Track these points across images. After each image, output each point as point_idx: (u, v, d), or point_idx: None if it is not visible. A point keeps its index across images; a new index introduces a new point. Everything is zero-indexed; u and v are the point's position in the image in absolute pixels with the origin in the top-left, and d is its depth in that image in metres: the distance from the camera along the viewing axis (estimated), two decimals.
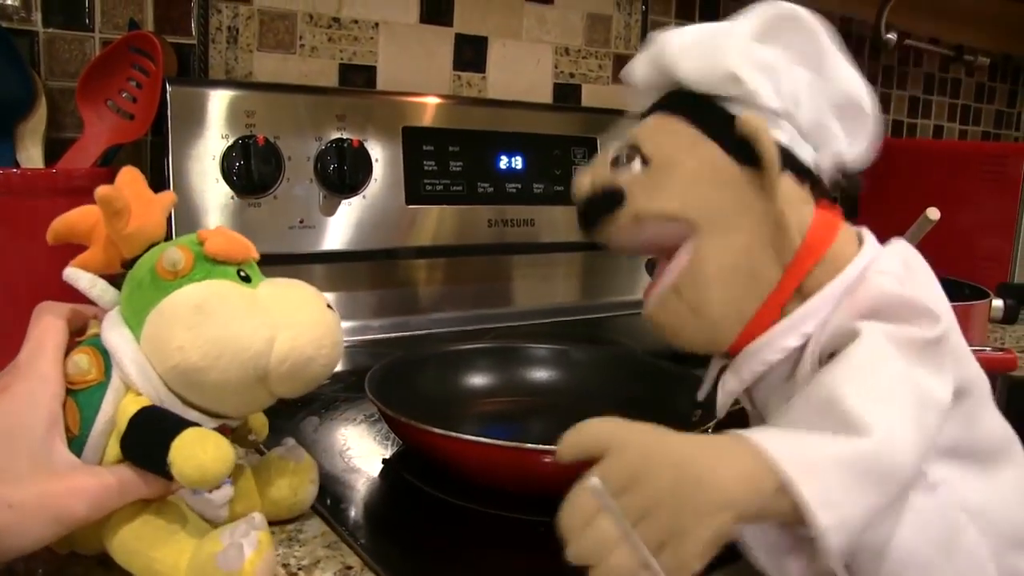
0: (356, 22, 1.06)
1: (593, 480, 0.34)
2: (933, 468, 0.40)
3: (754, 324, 0.42)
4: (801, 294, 0.42)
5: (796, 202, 0.42)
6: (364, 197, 0.96)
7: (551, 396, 0.75)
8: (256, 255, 0.49)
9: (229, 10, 0.97)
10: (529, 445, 0.54)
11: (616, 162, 0.45)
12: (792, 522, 0.34)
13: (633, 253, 0.48)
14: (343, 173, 0.92)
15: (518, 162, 1.08)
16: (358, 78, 1.08)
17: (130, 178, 0.49)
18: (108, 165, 0.83)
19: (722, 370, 0.47)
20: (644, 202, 0.43)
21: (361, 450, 0.65)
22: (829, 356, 0.40)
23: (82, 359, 0.45)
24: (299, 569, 0.47)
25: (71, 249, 0.76)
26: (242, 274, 0.47)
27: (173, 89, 0.85)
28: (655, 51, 0.45)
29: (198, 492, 0.45)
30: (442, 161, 1.02)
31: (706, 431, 0.60)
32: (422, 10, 1.11)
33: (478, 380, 0.75)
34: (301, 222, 0.92)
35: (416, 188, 1.00)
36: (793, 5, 0.43)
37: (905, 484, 0.37)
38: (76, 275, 0.48)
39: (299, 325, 0.46)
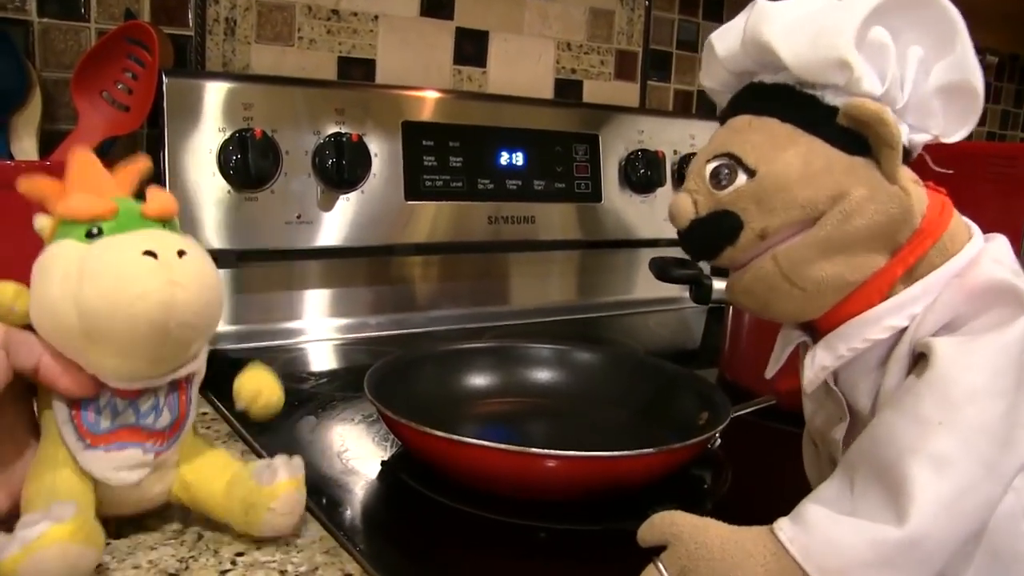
0: (355, 14, 1.05)
1: (660, 565, 0.40)
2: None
3: (855, 298, 0.41)
4: (911, 276, 0.40)
5: (912, 184, 0.41)
6: (363, 192, 0.95)
7: (552, 397, 0.74)
8: (154, 210, 0.47)
9: (227, 1, 0.96)
10: (532, 449, 0.53)
11: (716, 178, 0.41)
12: None
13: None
14: (342, 168, 0.91)
15: (519, 158, 1.07)
16: (357, 71, 1.07)
17: (77, 160, 0.49)
18: (104, 158, 0.81)
19: (799, 348, 0.46)
20: (764, 218, 0.40)
21: (359, 451, 0.64)
22: (920, 355, 0.40)
23: (5, 285, 0.47)
24: None
25: None
26: (92, 232, 0.45)
27: (169, 81, 0.84)
28: (752, 26, 0.41)
29: (91, 448, 0.46)
30: (442, 157, 1.01)
31: (713, 436, 0.59)
32: (422, 3, 1.10)
33: (479, 380, 0.74)
34: (299, 217, 0.91)
35: (415, 184, 0.98)
36: None
37: (944, 560, 0.37)
38: (38, 220, 0.48)
39: (92, 277, 0.43)
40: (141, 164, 0.51)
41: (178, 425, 0.50)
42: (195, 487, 0.50)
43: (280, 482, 0.48)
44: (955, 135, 0.43)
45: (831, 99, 0.40)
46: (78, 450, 0.46)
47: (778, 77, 0.42)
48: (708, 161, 0.42)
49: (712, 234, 0.42)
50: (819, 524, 0.38)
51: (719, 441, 0.65)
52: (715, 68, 0.45)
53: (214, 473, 0.51)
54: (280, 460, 0.50)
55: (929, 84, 0.41)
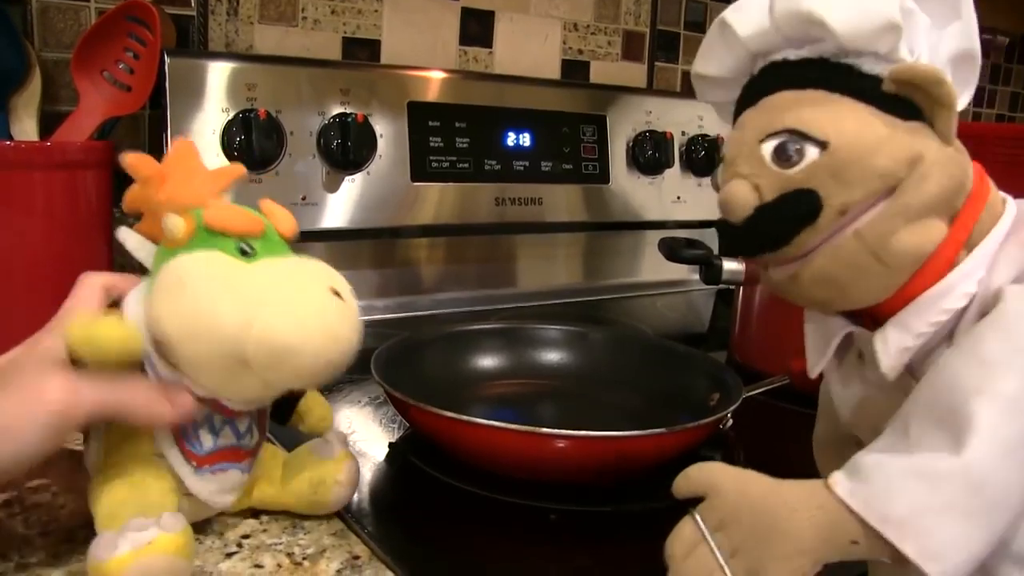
0: None
1: (697, 516, 0.38)
2: None
3: (926, 272, 0.39)
4: (969, 242, 0.39)
5: (962, 147, 0.40)
6: (368, 174, 0.93)
7: (561, 378, 0.73)
8: (283, 228, 0.47)
9: None
10: (542, 429, 0.52)
11: (784, 155, 0.38)
12: (893, 560, 0.36)
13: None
14: (347, 149, 0.90)
15: (526, 139, 1.06)
16: (362, 52, 1.05)
17: (178, 149, 0.48)
18: (105, 139, 0.80)
19: (847, 336, 0.44)
20: (846, 194, 0.37)
21: (367, 434, 0.64)
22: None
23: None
24: (304, 558, 0.46)
25: (66, 221, 0.74)
26: (244, 248, 0.44)
27: (172, 61, 0.83)
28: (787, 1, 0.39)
29: (198, 471, 0.45)
30: (448, 138, 1.00)
31: (725, 416, 0.58)
32: None
33: (487, 361, 0.73)
34: (303, 199, 0.90)
35: (421, 165, 0.97)
36: None
37: (1011, 512, 0.35)
38: (126, 235, 0.47)
39: (280, 308, 0.41)
40: (238, 170, 0.50)
41: (260, 443, 0.49)
42: (250, 484, 0.49)
43: (341, 453, 0.50)
44: (959, 102, 0.41)
45: (870, 67, 0.39)
46: (186, 474, 0.45)
47: (802, 52, 0.40)
48: (762, 141, 0.39)
49: (787, 218, 0.38)
50: (876, 470, 0.36)
51: (731, 422, 0.64)
52: (734, 48, 0.43)
53: (268, 464, 0.50)
54: (332, 435, 0.52)
55: (941, 52, 0.40)
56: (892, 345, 0.40)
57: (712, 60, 0.44)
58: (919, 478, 0.35)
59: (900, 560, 0.35)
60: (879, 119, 0.38)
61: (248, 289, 0.42)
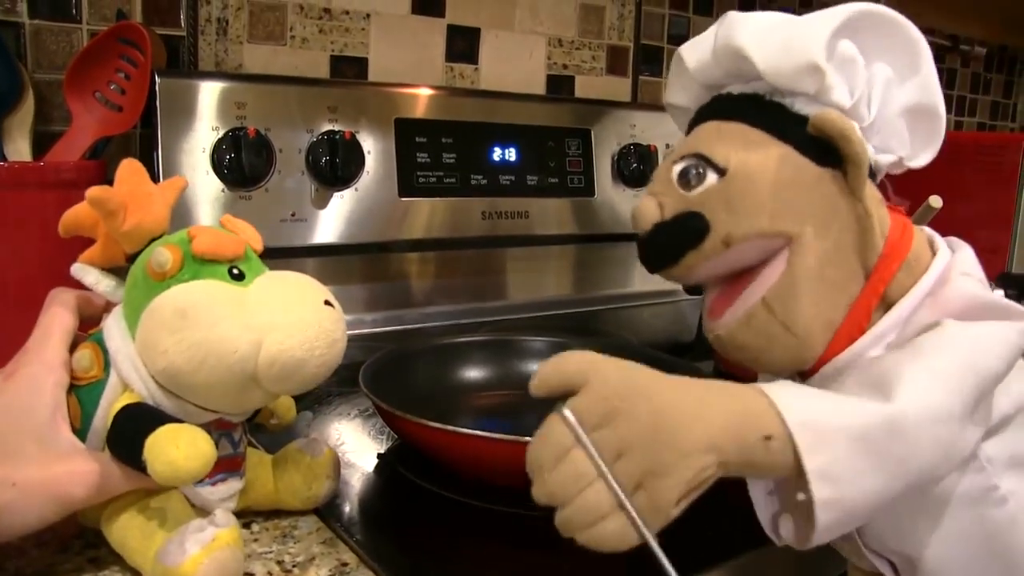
0: (347, 13, 1.05)
1: (567, 412, 0.32)
2: (1004, 480, 0.38)
3: (839, 338, 0.39)
4: (884, 303, 0.39)
5: (877, 203, 0.40)
6: (356, 190, 0.95)
7: None
8: (256, 246, 0.49)
9: (219, 1, 0.96)
10: (526, 439, 0.53)
11: (685, 178, 0.39)
12: (783, 479, 0.34)
13: (706, 280, 0.42)
14: (335, 165, 0.91)
15: (512, 154, 1.07)
16: (349, 70, 1.07)
17: (129, 171, 0.48)
18: (97, 158, 0.81)
19: None
20: (732, 224, 0.38)
21: (355, 445, 0.65)
22: None
23: (84, 356, 0.46)
24: (294, 566, 0.47)
25: (60, 241, 0.75)
26: (234, 271, 0.45)
27: (162, 81, 0.84)
28: (723, 34, 0.41)
29: (200, 484, 0.46)
30: (435, 153, 1.01)
31: None
32: (413, 1, 1.10)
33: (473, 373, 0.75)
34: (293, 215, 0.91)
35: (409, 180, 0.99)
36: (880, 5, 0.40)
37: (922, 471, 0.35)
38: (83, 271, 0.48)
39: (288, 326, 0.44)
40: (180, 182, 0.51)
41: (246, 447, 0.51)
42: (244, 487, 0.51)
43: (327, 451, 0.54)
44: (920, 159, 0.42)
45: (800, 108, 0.39)
46: (189, 489, 0.46)
47: (747, 88, 0.42)
48: (675, 163, 0.40)
49: (677, 237, 0.39)
50: (806, 389, 0.36)
51: None
52: (685, 81, 0.45)
53: (257, 467, 0.52)
54: (315, 435, 0.57)
55: (895, 104, 0.41)
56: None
57: (672, 90, 0.47)
58: (846, 405, 0.34)
59: (791, 483, 0.33)
60: (791, 159, 0.38)
61: (251, 311, 0.44)
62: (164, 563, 0.41)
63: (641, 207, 0.41)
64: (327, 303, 0.46)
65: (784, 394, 0.34)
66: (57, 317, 0.47)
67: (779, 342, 0.38)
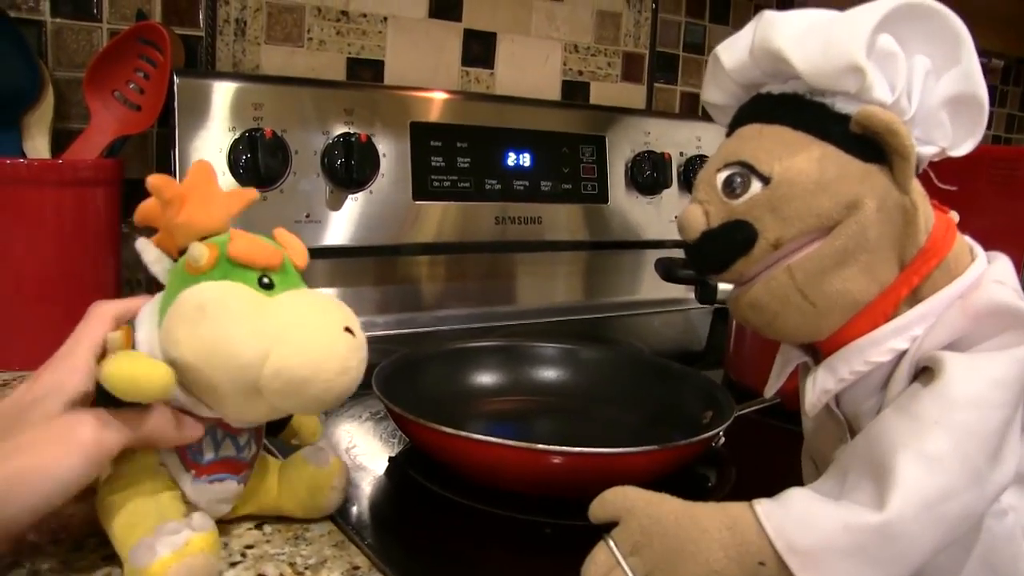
0: (364, 16, 1.06)
1: (611, 542, 0.40)
2: (1004, 494, 0.39)
3: (860, 319, 0.40)
4: (915, 297, 0.40)
5: (922, 198, 0.40)
6: (371, 192, 0.95)
7: (559, 396, 0.75)
8: (299, 261, 0.49)
9: (237, 2, 0.97)
10: (538, 445, 0.53)
11: (730, 187, 0.40)
12: None
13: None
14: (350, 168, 0.91)
15: (526, 159, 1.07)
16: (366, 72, 1.07)
17: (198, 169, 0.49)
18: (115, 156, 0.82)
19: (799, 368, 0.46)
20: (780, 228, 0.39)
21: (367, 448, 0.65)
22: (922, 370, 0.39)
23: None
24: (306, 568, 0.47)
25: (77, 238, 0.76)
26: (264, 280, 0.45)
27: (180, 81, 0.85)
28: (761, 36, 0.41)
29: (197, 480, 0.47)
30: (449, 157, 1.01)
31: (717, 434, 0.60)
32: (431, 5, 1.11)
33: (486, 378, 0.75)
34: (307, 216, 0.91)
35: (423, 184, 0.99)
36: None
37: (929, 553, 0.36)
38: (145, 247, 0.48)
39: (298, 343, 0.43)
40: (252, 194, 0.51)
41: (256, 454, 0.51)
42: (249, 493, 0.51)
43: (334, 461, 0.53)
44: (962, 148, 0.42)
45: (842, 106, 0.40)
46: (185, 481, 0.47)
47: (786, 87, 0.42)
48: (719, 170, 0.41)
49: (725, 246, 0.40)
50: (799, 502, 0.38)
51: (723, 439, 0.65)
52: (722, 80, 0.45)
53: (266, 473, 0.52)
54: (323, 443, 0.56)
55: (936, 95, 0.41)
56: (818, 385, 0.42)
57: (709, 89, 0.47)
58: (836, 520, 0.36)
59: None
60: (834, 158, 0.39)
61: (267, 322, 0.44)
62: (133, 563, 0.41)
63: (687, 215, 0.42)
64: (348, 330, 0.45)
65: (775, 515, 0.37)
66: (89, 328, 0.47)
67: (794, 306, 0.40)
